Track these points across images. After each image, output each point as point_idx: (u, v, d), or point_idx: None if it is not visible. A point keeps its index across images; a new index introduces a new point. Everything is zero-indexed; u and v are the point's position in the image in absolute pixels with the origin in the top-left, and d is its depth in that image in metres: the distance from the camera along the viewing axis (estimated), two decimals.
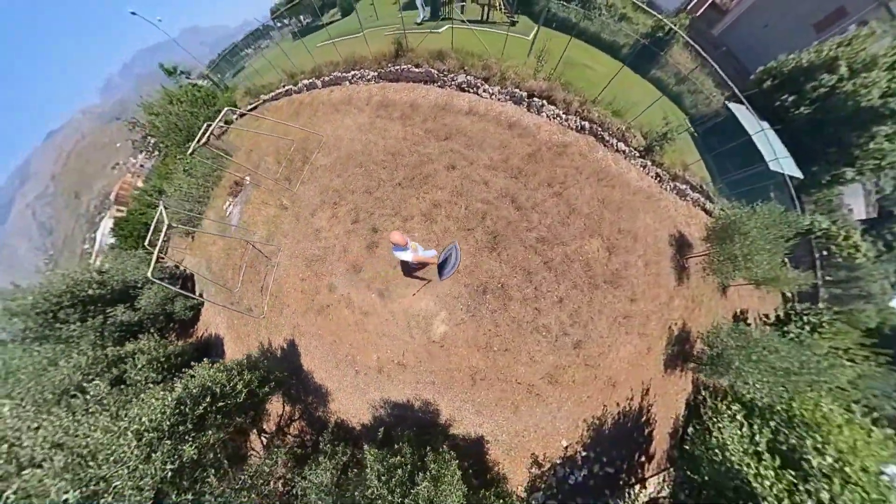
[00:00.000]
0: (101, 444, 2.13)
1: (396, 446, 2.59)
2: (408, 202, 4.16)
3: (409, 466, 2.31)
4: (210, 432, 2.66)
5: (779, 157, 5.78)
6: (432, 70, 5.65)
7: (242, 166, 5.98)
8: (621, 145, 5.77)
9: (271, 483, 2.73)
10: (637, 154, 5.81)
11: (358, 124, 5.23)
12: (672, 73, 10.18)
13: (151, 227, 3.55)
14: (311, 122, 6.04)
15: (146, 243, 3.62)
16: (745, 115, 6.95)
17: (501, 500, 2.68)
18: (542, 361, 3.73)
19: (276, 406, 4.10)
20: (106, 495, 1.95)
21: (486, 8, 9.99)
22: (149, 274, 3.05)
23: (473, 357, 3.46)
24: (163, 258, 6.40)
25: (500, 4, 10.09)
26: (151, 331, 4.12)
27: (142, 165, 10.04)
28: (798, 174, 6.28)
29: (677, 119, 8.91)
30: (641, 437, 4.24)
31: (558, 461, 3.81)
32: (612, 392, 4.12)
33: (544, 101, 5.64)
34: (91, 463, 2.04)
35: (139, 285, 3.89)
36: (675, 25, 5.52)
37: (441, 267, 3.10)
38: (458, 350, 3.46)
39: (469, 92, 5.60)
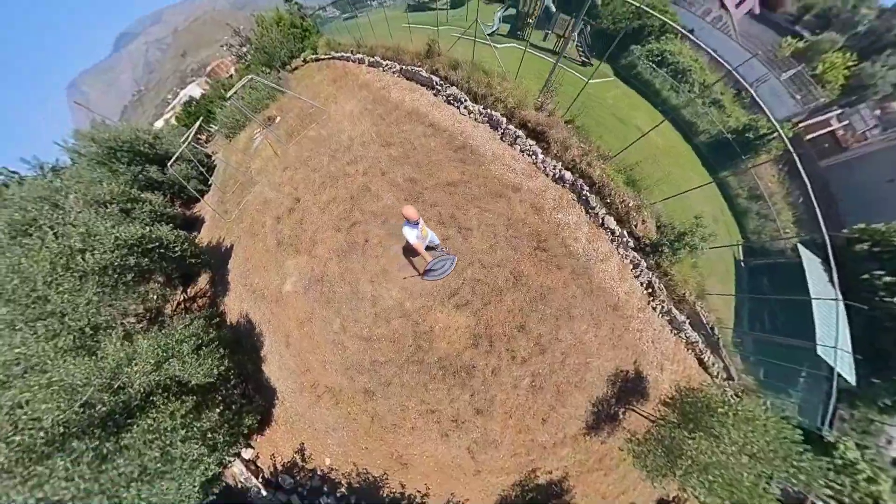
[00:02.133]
0: (106, 234, 4.68)
1: (213, 334, 4.57)
2: (320, 194, 5.67)
3: (200, 343, 4.26)
4: (148, 259, 5.14)
5: (837, 347, 4.61)
6: (433, 77, 6.55)
7: (269, 114, 8.57)
8: (612, 222, 4.72)
9: (153, 309, 5.14)
10: (632, 244, 4.68)
11: (351, 111, 6.98)
12: (747, 185, 9.18)
13: (190, 132, 6.16)
14: (336, 93, 8.07)
15: (181, 141, 6.32)
16: (815, 272, 5.95)
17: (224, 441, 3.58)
18: (330, 372, 4.21)
19: (203, 280, 6.67)
20: (95, 252, 4.40)
21: (562, 40, 10.25)
22: (169, 168, 5.63)
23: (291, 324, 4.91)
24: (205, 145, 9.85)
25: (577, 43, 10.35)
26: (167, 192, 7.09)
27: (240, 56, 14.13)
28: (851, 380, 5.05)
29: (730, 235, 7.97)
30: None
31: (318, 472, 4.27)
32: (398, 468, 4.08)
33: (521, 133, 5.29)
34: (98, 245, 4.58)
35: (174, 155, 6.72)
36: (782, 131, 4.27)
37: (429, 268, 3.23)
38: (286, 311, 5.06)
39: (453, 105, 6.12)
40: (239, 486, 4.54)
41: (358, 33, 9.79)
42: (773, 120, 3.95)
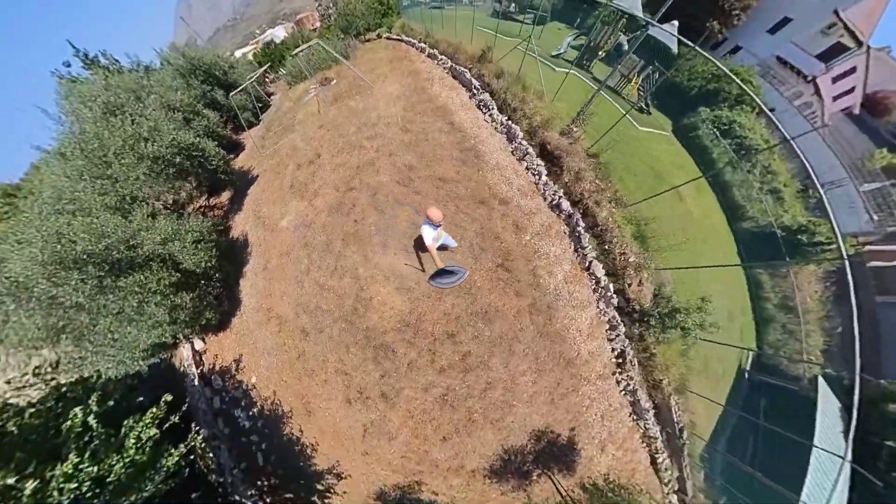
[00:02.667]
0: (167, 133, 5.92)
1: (214, 237, 5.65)
2: (336, 156, 6.62)
3: (201, 238, 5.33)
4: (190, 163, 6.37)
5: None
6: (473, 80, 7.19)
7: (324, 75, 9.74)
8: (600, 270, 4.35)
9: (179, 202, 6.38)
10: (616, 303, 4.24)
11: (391, 93, 7.85)
12: (781, 292, 8.40)
13: (259, 71, 7.40)
14: (388, 73, 9.03)
15: (247, 79, 7.60)
16: (829, 416, 5.15)
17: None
18: (284, 303, 4.96)
19: (225, 196, 7.95)
20: (155, 144, 5.67)
21: (624, 80, 10.34)
22: (230, 96, 6.86)
23: (274, 252, 5.90)
24: (268, 85, 11.37)
25: (638, 85, 10.41)
26: (223, 115, 8.50)
27: (325, 16, 15.80)
28: None
29: (743, 339, 7.19)
30: (307, 465, 4.25)
31: (244, 385, 4.89)
32: (303, 413, 4.39)
33: (531, 150, 5.41)
34: (159, 140, 5.84)
35: (239, 87, 8.07)
36: (843, 245, 3.31)
37: (438, 273, 3.15)
38: (275, 241, 6.05)
39: (481, 110, 6.65)
40: (181, 369, 5.55)
41: (430, 24, 10.71)
42: (837, 230, 3.24)
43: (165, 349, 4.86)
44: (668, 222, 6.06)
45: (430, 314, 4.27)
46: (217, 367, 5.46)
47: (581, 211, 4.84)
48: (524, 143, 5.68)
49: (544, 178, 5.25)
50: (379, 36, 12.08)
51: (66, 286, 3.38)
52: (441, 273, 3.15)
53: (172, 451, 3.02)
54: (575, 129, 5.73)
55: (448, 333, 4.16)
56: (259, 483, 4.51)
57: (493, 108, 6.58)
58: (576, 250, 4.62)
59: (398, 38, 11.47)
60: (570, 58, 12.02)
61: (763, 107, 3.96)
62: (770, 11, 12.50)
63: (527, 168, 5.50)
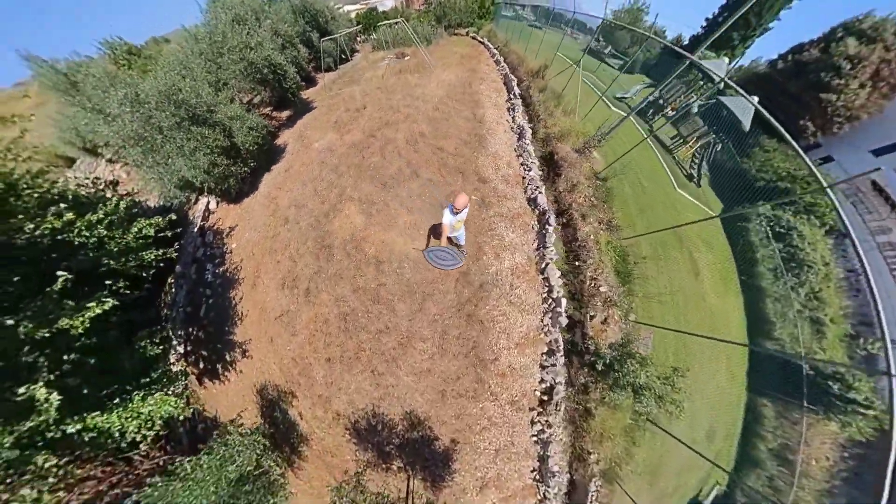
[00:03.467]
0: (265, 49, 8.25)
1: (263, 133, 7.69)
2: (375, 111, 8.43)
3: (254, 129, 7.33)
4: (272, 77, 8.63)
5: None
6: (516, 88, 8.61)
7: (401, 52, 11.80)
8: (556, 279, 3.92)
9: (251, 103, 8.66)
10: (565, 327, 3.69)
11: (444, 80, 9.52)
12: (782, 437, 7.15)
13: (351, 30, 9.61)
14: (454, 66, 10.78)
15: (340, 32, 9.86)
16: None
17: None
18: (286, 197, 6.53)
19: (285, 114, 10.25)
20: (254, 53, 7.99)
21: (679, 140, 10.70)
22: (322, 41, 9.10)
23: (299, 162, 7.78)
24: (356, 42, 13.96)
25: (694, 151, 10.73)
26: (311, 53, 10.95)
27: (429, 2, 18.40)
28: None
29: (716, 461, 4.78)
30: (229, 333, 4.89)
31: (223, 249, 6.53)
32: (251, 285, 5.29)
33: (531, 149, 5.93)
34: (259, 50, 8.16)
35: (331, 36, 10.40)
36: None
37: (436, 249, 3.17)
38: (303, 155, 7.98)
39: (508, 112, 8.01)
40: (191, 218, 7.44)
41: (511, 36, 12.35)
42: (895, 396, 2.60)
43: (191, 191, 6.81)
44: (669, 283, 6.00)
45: (373, 238, 5.13)
46: (215, 227, 7.33)
47: (564, 220, 4.79)
48: (528, 141, 6.50)
49: (532, 173, 5.51)
50: (467, 34, 14.08)
51: (162, 113, 5.38)
52: (439, 251, 3.12)
53: (154, 251, 4.22)
54: (592, 149, 6.31)
55: (377, 260, 4.76)
56: (190, 330, 5.52)
57: (518, 112, 7.84)
58: (537, 248, 4.36)
59: (481, 40, 13.35)
60: (633, 104, 12.72)
61: (846, 224, 3.12)
62: (881, 130, 11.94)
63: (521, 164, 6.14)
